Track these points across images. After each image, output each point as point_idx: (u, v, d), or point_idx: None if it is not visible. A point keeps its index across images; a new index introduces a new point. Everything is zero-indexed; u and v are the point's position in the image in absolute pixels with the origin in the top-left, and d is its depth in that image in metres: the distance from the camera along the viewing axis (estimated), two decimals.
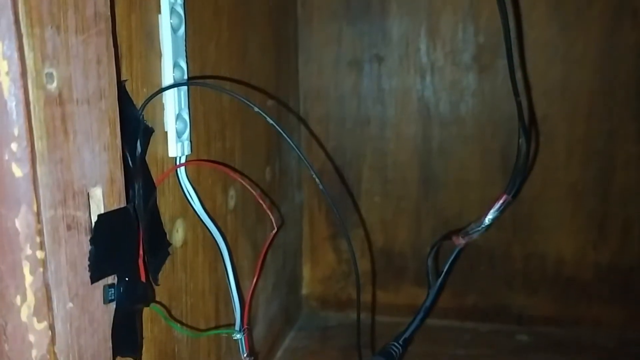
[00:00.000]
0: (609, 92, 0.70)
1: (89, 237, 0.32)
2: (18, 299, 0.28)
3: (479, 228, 0.51)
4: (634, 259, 0.73)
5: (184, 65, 0.43)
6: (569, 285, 0.75)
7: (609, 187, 0.72)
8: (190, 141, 0.45)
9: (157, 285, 0.42)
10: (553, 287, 0.75)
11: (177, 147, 0.43)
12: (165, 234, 0.43)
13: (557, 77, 0.71)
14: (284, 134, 0.40)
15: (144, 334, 0.40)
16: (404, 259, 0.79)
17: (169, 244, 0.44)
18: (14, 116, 0.26)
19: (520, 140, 0.49)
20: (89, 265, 0.32)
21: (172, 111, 0.42)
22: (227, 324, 0.53)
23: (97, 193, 0.32)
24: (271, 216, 0.50)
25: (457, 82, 0.73)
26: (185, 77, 0.44)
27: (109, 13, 0.32)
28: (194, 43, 0.46)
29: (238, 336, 0.47)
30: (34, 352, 0.29)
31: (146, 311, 0.40)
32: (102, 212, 0.33)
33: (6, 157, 0.27)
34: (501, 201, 0.50)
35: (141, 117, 0.39)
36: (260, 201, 0.48)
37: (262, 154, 0.63)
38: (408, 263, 0.79)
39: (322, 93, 0.77)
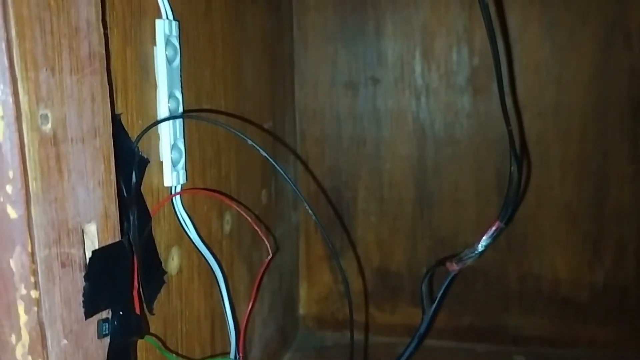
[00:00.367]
0: (602, 113, 0.70)
1: (83, 274, 0.32)
2: (13, 338, 0.29)
3: (473, 254, 0.51)
4: (628, 278, 0.73)
5: (179, 95, 0.44)
6: (565, 305, 0.75)
7: (603, 207, 0.72)
8: (186, 170, 0.45)
9: (153, 314, 0.42)
10: (549, 307, 0.76)
11: (172, 176, 0.44)
12: (161, 262, 0.44)
13: (550, 99, 0.71)
14: (277, 166, 0.41)
15: None
16: (399, 279, 0.79)
17: (164, 272, 0.44)
18: (9, 159, 0.27)
19: (512, 168, 0.49)
20: (83, 301, 0.32)
21: (168, 141, 0.43)
22: (222, 350, 0.53)
23: (91, 229, 0.32)
24: (267, 242, 0.50)
25: (452, 103, 0.74)
26: (181, 107, 0.44)
27: (104, 51, 0.32)
28: (189, 71, 0.47)
29: None
30: None
31: (141, 342, 0.40)
32: (97, 247, 0.33)
33: (1, 199, 0.27)
34: (494, 228, 0.50)
35: (136, 149, 0.39)
36: (256, 228, 0.49)
37: (258, 177, 0.63)
38: (404, 283, 0.79)
39: (318, 114, 0.77)
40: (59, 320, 0.30)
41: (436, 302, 0.52)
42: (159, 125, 0.42)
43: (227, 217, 0.55)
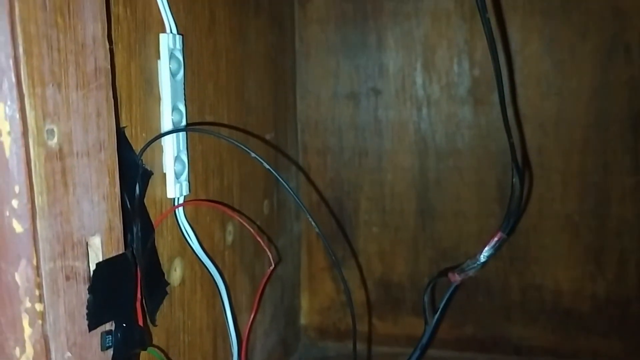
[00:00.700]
0: (603, 125, 0.71)
1: (87, 286, 0.32)
2: (17, 351, 0.29)
3: (475, 265, 0.51)
4: (631, 291, 0.73)
5: (182, 108, 0.44)
6: (567, 317, 0.75)
7: (605, 219, 0.72)
8: (189, 181, 0.46)
9: (155, 326, 0.42)
10: (551, 318, 0.76)
11: (175, 188, 0.44)
12: (163, 274, 0.44)
13: (552, 111, 0.72)
14: (279, 177, 0.41)
15: None
16: (402, 290, 0.79)
17: (167, 284, 0.44)
18: (15, 174, 0.27)
19: (514, 180, 0.49)
20: (86, 314, 0.32)
21: (171, 153, 0.43)
22: None
23: (95, 242, 0.33)
24: (269, 253, 0.50)
25: (453, 114, 0.74)
26: (184, 120, 0.44)
27: (109, 67, 0.33)
28: (193, 85, 0.47)
29: None
30: None
31: (144, 354, 0.40)
32: (101, 260, 0.33)
33: (7, 214, 0.28)
34: (496, 239, 0.51)
35: (140, 161, 0.40)
36: (258, 239, 0.49)
37: (260, 188, 0.64)
38: (406, 293, 0.79)
39: (320, 125, 0.77)
40: (63, 333, 0.30)
41: (438, 312, 0.53)
42: (163, 137, 0.43)
43: (230, 228, 0.55)
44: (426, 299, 0.54)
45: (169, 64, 0.42)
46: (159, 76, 0.42)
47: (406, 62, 0.74)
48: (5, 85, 0.26)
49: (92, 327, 0.33)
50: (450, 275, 0.52)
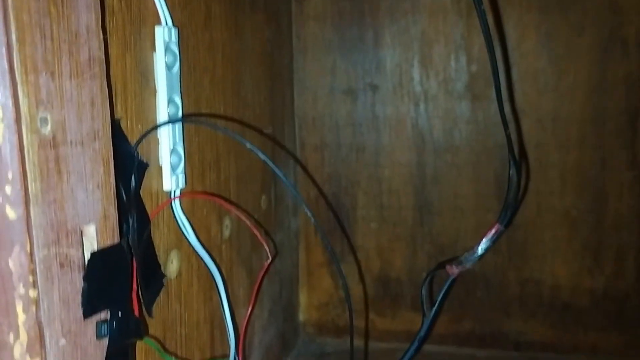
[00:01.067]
0: (600, 121, 0.71)
1: (82, 275, 0.32)
2: (11, 337, 0.29)
3: (472, 257, 0.51)
4: (629, 285, 0.73)
5: (178, 101, 0.44)
6: (566, 311, 0.75)
7: (603, 214, 0.73)
8: (185, 174, 0.46)
9: (152, 317, 0.43)
10: (550, 313, 0.76)
11: (171, 180, 0.44)
12: (160, 266, 0.44)
13: (548, 107, 0.72)
14: (276, 169, 0.41)
15: None
16: (400, 285, 0.79)
17: (164, 276, 0.44)
18: (8, 160, 0.27)
19: (510, 172, 0.49)
20: (81, 302, 0.32)
21: (167, 146, 0.43)
22: (222, 353, 0.54)
23: (90, 230, 0.33)
24: (266, 247, 0.50)
25: (451, 110, 0.74)
26: (180, 113, 0.45)
27: (103, 56, 0.33)
28: (189, 79, 0.47)
29: None
30: None
31: (140, 344, 0.40)
32: (96, 249, 0.33)
33: (0, 200, 0.28)
34: (494, 231, 0.51)
35: (136, 153, 0.40)
36: (255, 232, 0.49)
37: (257, 183, 0.64)
38: (404, 289, 0.79)
39: (317, 121, 0.78)
40: (58, 320, 0.31)
41: (436, 305, 0.53)
42: (159, 129, 0.43)
43: (227, 221, 0.55)
44: (424, 291, 0.54)
45: (165, 56, 0.42)
46: (154, 69, 0.42)
47: (403, 58, 0.74)
48: None
49: (87, 315, 0.33)
50: (448, 267, 0.52)
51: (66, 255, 0.31)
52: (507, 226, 0.53)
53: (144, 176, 0.41)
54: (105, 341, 0.35)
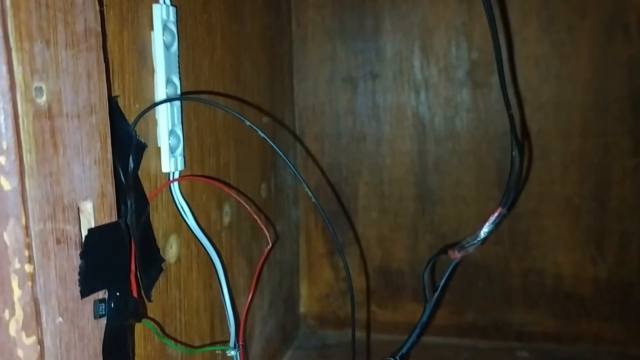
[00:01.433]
0: (602, 107, 0.70)
1: (79, 252, 0.31)
2: (6, 313, 0.28)
3: (475, 242, 0.50)
4: (632, 274, 0.72)
5: (177, 81, 0.44)
6: (569, 301, 0.75)
7: (605, 202, 0.72)
8: (184, 157, 0.45)
9: (151, 301, 0.42)
10: (552, 303, 0.75)
11: (170, 162, 0.43)
12: (159, 249, 0.43)
13: (550, 93, 0.71)
14: (275, 147, 0.40)
15: (137, 352, 0.40)
16: (401, 276, 0.78)
17: (163, 260, 0.44)
18: (3, 129, 0.27)
19: (513, 153, 0.49)
20: (79, 280, 0.32)
21: (165, 127, 0.43)
22: (222, 340, 0.53)
23: (87, 207, 0.32)
24: (266, 232, 0.50)
25: (452, 98, 0.74)
26: (179, 93, 0.44)
27: (100, 29, 0.32)
28: (188, 60, 0.46)
29: (232, 352, 0.47)
30: None
31: (139, 328, 0.40)
32: (93, 226, 0.33)
33: None
34: (496, 214, 0.50)
35: (134, 132, 0.39)
36: (255, 217, 0.48)
37: (257, 171, 0.63)
38: (406, 280, 0.78)
39: (317, 110, 0.77)
40: (54, 297, 0.30)
41: (439, 290, 0.52)
42: (157, 110, 0.42)
43: (227, 208, 0.54)
44: (426, 277, 0.53)
45: (163, 35, 0.42)
46: (152, 47, 0.42)
47: (404, 45, 0.74)
48: None
49: (84, 293, 0.32)
50: (450, 252, 0.51)
51: (62, 231, 0.30)
52: (509, 209, 0.52)
53: (142, 157, 0.40)
54: (103, 321, 0.34)
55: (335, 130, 0.77)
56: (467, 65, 0.73)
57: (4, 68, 0.26)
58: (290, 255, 0.76)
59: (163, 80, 0.42)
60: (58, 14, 0.29)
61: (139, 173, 0.40)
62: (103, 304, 0.34)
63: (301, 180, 0.41)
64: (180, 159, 0.44)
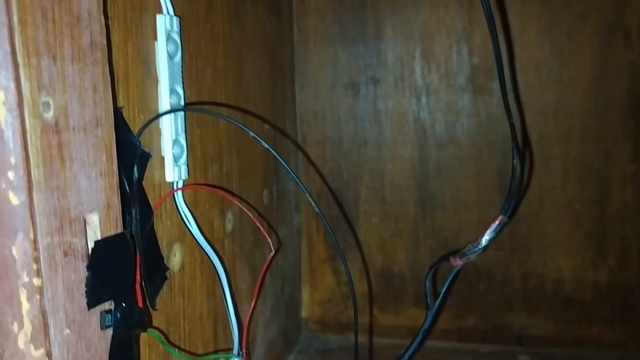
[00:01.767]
0: (603, 112, 0.70)
1: (85, 264, 0.32)
2: (15, 326, 0.29)
3: (476, 249, 0.51)
4: (633, 278, 0.73)
5: (180, 91, 0.44)
6: (569, 305, 0.75)
7: (606, 207, 0.72)
8: (187, 165, 0.45)
9: (155, 310, 0.42)
10: (553, 307, 0.75)
11: (174, 171, 0.44)
12: (163, 258, 0.43)
13: (551, 98, 0.71)
14: (278, 157, 0.41)
15: None
16: (403, 280, 0.78)
17: (167, 269, 0.44)
18: (11, 145, 0.27)
19: (514, 162, 0.49)
20: (85, 292, 0.32)
21: (169, 136, 0.43)
22: (225, 348, 0.53)
23: (93, 219, 0.32)
24: (269, 239, 0.50)
25: (453, 103, 0.74)
26: (182, 102, 0.44)
27: (105, 42, 0.32)
28: (191, 69, 0.47)
29: None
30: None
31: (144, 337, 0.40)
32: (99, 238, 0.33)
33: (3, 186, 0.27)
34: (497, 222, 0.50)
35: (138, 143, 0.39)
36: (258, 224, 0.48)
37: (260, 177, 0.63)
38: (407, 284, 0.78)
39: (318, 116, 0.77)
40: (62, 310, 0.30)
41: (440, 297, 0.52)
42: (161, 120, 0.42)
43: (229, 215, 0.55)
44: (427, 284, 0.53)
45: (167, 45, 0.42)
46: (156, 57, 0.42)
47: (405, 51, 0.74)
48: (0, 54, 0.26)
49: (91, 305, 0.32)
50: (451, 259, 0.52)
51: (70, 244, 0.30)
52: (510, 217, 0.52)
53: (146, 167, 0.41)
54: (110, 332, 0.34)
55: (337, 136, 0.77)
56: (468, 71, 0.73)
57: (12, 84, 0.26)
58: (292, 260, 0.77)
59: (167, 90, 0.42)
60: (64, 28, 0.29)
61: (144, 183, 0.40)
62: (109, 315, 0.34)
63: (304, 190, 0.41)
64: (183, 168, 0.45)
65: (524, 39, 0.71)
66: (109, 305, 0.34)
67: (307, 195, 0.42)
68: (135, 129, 0.39)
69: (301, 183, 0.43)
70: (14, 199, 0.27)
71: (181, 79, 0.44)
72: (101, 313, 0.33)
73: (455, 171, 0.75)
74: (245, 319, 0.54)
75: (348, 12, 0.75)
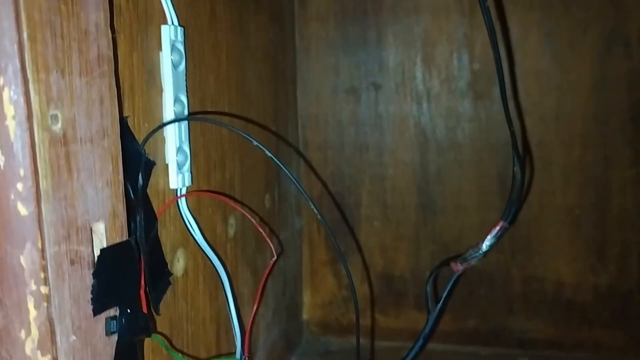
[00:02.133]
0: (603, 118, 0.71)
1: (91, 271, 0.32)
2: (22, 333, 0.29)
3: (477, 254, 0.51)
4: (632, 282, 0.73)
5: (184, 99, 0.45)
6: (569, 309, 0.75)
7: (606, 212, 0.73)
8: (191, 172, 0.46)
9: (159, 315, 0.43)
10: (553, 311, 0.76)
11: (178, 178, 0.44)
12: (167, 263, 0.44)
13: (551, 105, 0.72)
14: (281, 165, 0.41)
15: None
16: (403, 284, 0.79)
17: (170, 274, 0.45)
18: (20, 157, 0.28)
19: (515, 169, 0.50)
20: (91, 299, 0.33)
21: (173, 144, 0.44)
22: (228, 351, 0.54)
23: (99, 228, 0.33)
24: (270, 244, 0.51)
25: (453, 108, 0.74)
26: (186, 111, 0.45)
27: (112, 55, 0.33)
28: (194, 77, 0.47)
29: None
30: None
31: (148, 341, 0.41)
32: (105, 246, 0.34)
33: (12, 197, 0.28)
34: (498, 228, 0.51)
35: (143, 151, 0.40)
36: (260, 229, 0.49)
37: (262, 182, 0.64)
38: (408, 287, 0.79)
39: (320, 121, 0.78)
40: (68, 317, 0.31)
41: (441, 302, 0.53)
42: (165, 128, 0.43)
43: (232, 220, 0.55)
44: (428, 288, 0.54)
45: (171, 55, 0.43)
46: (160, 67, 0.43)
47: (406, 56, 0.75)
48: (10, 70, 0.27)
49: (96, 312, 0.33)
50: (452, 264, 0.52)
51: (76, 252, 0.31)
52: (511, 223, 0.53)
53: (150, 174, 0.41)
54: (115, 338, 0.35)
55: (338, 141, 0.78)
56: (468, 77, 0.73)
57: (22, 99, 0.27)
58: (293, 263, 0.77)
59: (171, 99, 0.43)
60: (72, 43, 0.30)
61: (148, 190, 0.41)
62: (114, 321, 0.35)
63: (306, 197, 0.42)
64: (187, 175, 0.45)
65: (525, 47, 0.71)
66: (114, 311, 0.35)
67: (309, 201, 0.43)
68: (140, 137, 0.40)
69: (302, 188, 0.43)
70: (23, 209, 0.28)
71: (185, 88, 0.45)
72: (106, 319, 0.34)
73: (456, 176, 0.76)
74: (248, 322, 0.55)
75: (350, 19, 0.75)
